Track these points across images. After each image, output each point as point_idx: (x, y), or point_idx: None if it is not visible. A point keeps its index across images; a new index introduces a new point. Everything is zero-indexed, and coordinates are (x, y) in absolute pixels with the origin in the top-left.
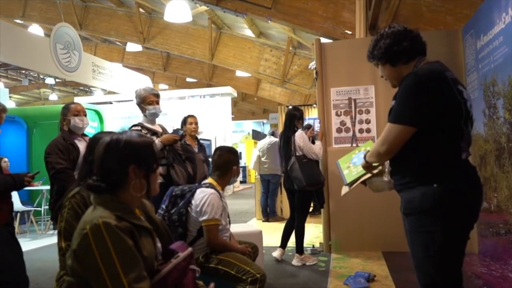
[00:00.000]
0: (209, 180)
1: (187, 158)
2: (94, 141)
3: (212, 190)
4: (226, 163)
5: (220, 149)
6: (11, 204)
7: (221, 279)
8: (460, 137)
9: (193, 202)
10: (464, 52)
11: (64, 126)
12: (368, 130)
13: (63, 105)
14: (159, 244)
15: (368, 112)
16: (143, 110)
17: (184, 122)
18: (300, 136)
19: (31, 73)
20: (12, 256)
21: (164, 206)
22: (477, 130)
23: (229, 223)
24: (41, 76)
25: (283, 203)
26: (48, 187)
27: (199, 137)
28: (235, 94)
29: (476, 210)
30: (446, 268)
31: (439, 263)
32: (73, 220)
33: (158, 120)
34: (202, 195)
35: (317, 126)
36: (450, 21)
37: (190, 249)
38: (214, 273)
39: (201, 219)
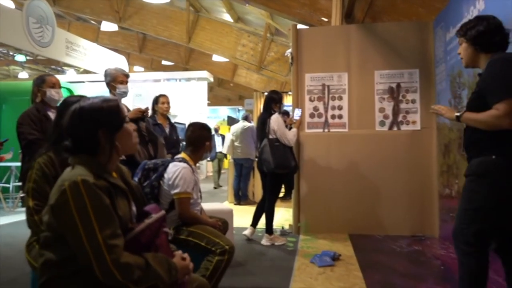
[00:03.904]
0: (182, 155)
1: (150, 140)
2: (63, 105)
3: (184, 164)
4: (199, 138)
5: (193, 125)
6: None
7: (191, 250)
8: None
9: (165, 175)
10: (434, 44)
11: (37, 98)
12: (340, 116)
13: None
14: (134, 208)
15: (340, 98)
16: (113, 88)
17: (156, 101)
18: (275, 120)
19: (0, 50)
20: None
21: (136, 179)
22: (443, 119)
23: (201, 198)
24: (11, 53)
25: (255, 187)
26: (17, 163)
27: (173, 120)
28: (212, 79)
29: None
30: (475, 223)
31: (472, 217)
32: (40, 180)
33: (133, 102)
34: (175, 169)
35: (296, 114)
36: (423, 13)
37: (163, 211)
38: (184, 244)
39: (173, 192)
